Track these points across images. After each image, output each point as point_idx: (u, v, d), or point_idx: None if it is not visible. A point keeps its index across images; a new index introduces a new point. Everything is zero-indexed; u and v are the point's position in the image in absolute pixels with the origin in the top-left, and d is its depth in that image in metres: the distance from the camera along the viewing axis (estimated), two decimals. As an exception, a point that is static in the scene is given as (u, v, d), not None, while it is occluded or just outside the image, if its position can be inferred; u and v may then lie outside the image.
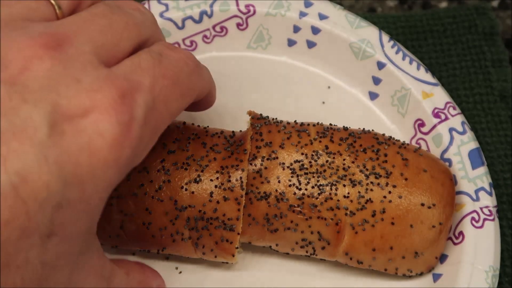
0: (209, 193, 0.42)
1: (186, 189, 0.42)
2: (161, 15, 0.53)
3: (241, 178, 0.42)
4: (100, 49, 0.31)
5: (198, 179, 0.42)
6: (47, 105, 0.27)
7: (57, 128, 0.27)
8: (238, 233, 0.43)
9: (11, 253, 0.26)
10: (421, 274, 0.46)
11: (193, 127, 0.46)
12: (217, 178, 0.43)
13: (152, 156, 0.42)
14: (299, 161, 0.44)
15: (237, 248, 0.44)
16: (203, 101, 0.43)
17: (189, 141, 0.44)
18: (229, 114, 0.52)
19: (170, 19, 0.53)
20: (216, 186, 0.42)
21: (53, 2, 0.32)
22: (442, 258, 0.46)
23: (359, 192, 0.43)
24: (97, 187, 0.29)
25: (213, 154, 0.43)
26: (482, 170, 0.48)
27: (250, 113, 0.47)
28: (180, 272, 0.47)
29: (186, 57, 0.37)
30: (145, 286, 0.41)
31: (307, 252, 0.45)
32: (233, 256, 0.44)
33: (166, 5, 0.53)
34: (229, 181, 0.42)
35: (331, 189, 0.43)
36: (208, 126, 0.47)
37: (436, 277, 0.46)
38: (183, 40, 0.54)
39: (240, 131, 0.47)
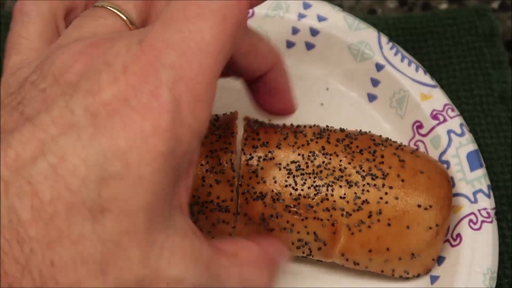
0: (201, 178, 0.43)
1: None
2: (160, 16, 0.53)
3: (231, 160, 0.43)
4: None
5: None
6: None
7: None
8: (234, 213, 0.43)
9: (62, 228, 0.26)
10: (418, 276, 0.46)
11: None
12: (207, 162, 0.43)
13: None
14: (295, 162, 0.44)
15: (233, 227, 0.44)
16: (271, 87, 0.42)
17: None
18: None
19: (169, 21, 0.53)
20: (207, 170, 0.43)
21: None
22: (440, 260, 0.46)
23: (355, 193, 0.43)
24: (142, 157, 0.27)
25: None
26: (481, 172, 0.48)
27: (246, 118, 0.47)
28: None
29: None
30: (263, 264, 0.36)
31: (303, 253, 0.45)
32: (230, 235, 0.44)
33: (166, 7, 0.53)
34: (220, 164, 0.43)
35: (327, 189, 0.43)
36: None
37: (434, 279, 0.46)
38: (183, 41, 0.54)
39: (224, 114, 0.47)
